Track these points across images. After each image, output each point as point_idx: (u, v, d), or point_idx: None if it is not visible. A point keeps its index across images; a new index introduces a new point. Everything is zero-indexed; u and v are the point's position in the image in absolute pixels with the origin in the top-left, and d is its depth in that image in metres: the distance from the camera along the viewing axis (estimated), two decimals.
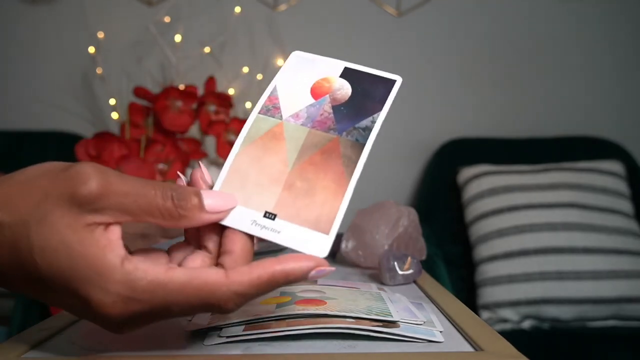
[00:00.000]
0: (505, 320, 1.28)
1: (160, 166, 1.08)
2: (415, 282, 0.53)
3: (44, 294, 0.30)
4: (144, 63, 1.61)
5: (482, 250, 1.35)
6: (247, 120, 0.35)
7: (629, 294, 1.25)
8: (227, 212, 0.32)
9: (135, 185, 0.30)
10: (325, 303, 0.38)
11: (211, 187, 0.33)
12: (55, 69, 1.64)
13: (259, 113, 0.36)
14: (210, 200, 0.31)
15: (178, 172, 0.37)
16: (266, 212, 0.32)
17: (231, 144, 1.16)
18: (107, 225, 0.29)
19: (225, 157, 1.16)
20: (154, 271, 0.28)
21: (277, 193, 0.32)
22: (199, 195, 0.31)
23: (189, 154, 1.13)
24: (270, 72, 1.63)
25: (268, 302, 0.39)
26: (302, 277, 0.30)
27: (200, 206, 0.30)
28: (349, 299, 0.40)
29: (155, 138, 1.12)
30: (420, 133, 1.70)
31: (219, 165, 1.18)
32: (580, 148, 1.55)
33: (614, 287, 1.25)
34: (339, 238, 0.69)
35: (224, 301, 0.29)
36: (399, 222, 0.61)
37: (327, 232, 0.31)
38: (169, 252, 0.33)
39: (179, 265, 0.31)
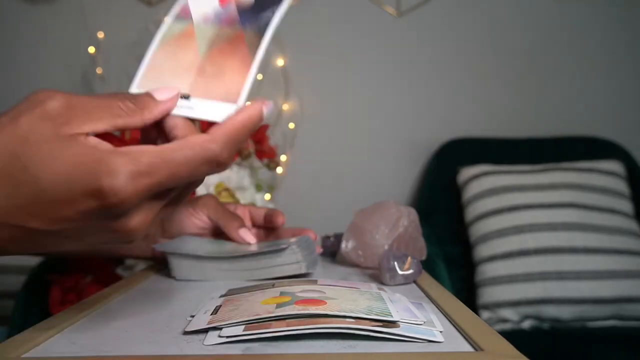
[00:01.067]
0: (505, 320, 1.28)
1: None
2: (415, 282, 0.53)
3: (51, 214, 0.29)
4: None
5: (482, 250, 1.35)
6: (162, 26, 0.40)
7: (629, 294, 1.25)
8: (175, 98, 0.35)
9: (94, 96, 0.32)
10: (325, 303, 0.38)
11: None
12: (55, 69, 1.64)
13: (173, 19, 0.40)
14: (160, 93, 0.35)
15: None
16: (181, 94, 0.36)
17: None
18: (86, 135, 0.30)
19: None
20: (149, 147, 0.31)
21: (191, 77, 0.37)
22: (149, 93, 0.35)
23: None
24: (271, 72, 1.63)
25: (268, 302, 0.39)
26: (259, 116, 0.34)
27: (153, 97, 0.34)
28: (349, 299, 0.40)
29: None
30: (420, 133, 1.70)
31: None
32: (580, 148, 1.56)
33: (614, 287, 1.25)
34: (338, 238, 0.68)
35: (219, 150, 0.32)
36: (399, 222, 0.61)
37: (235, 102, 0.35)
38: None
39: None
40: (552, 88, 1.71)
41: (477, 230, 1.39)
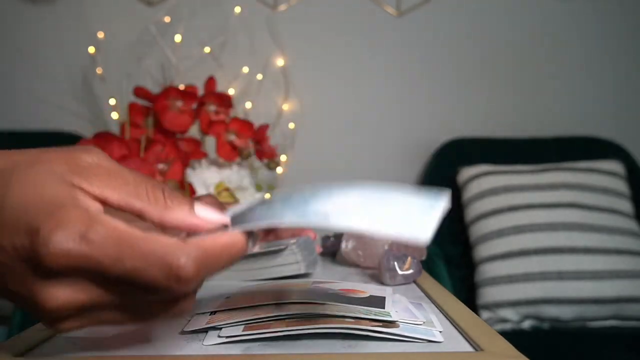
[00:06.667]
0: (505, 320, 1.28)
1: (160, 166, 1.08)
2: (415, 282, 0.53)
3: None
4: (144, 63, 1.61)
5: (482, 250, 1.35)
6: None
7: (629, 294, 1.25)
8: (215, 224, 0.30)
9: (131, 171, 0.29)
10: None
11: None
12: (55, 69, 1.64)
13: None
14: (203, 211, 0.30)
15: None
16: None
17: (232, 144, 1.16)
18: (91, 196, 0.28)
19: (225, 157, 1.15)
20: (115, 221, 0.27)
21: None
22: (190, 203, 0.30)
23: (189, 154, 1.13)
24: (271, 72, 1.63)
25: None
26: (243, 247, 0.29)
27: (190, 206, 0.29)
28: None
29: (155, 138, 1.12)
30: (420, 133, 1.70)
31: (220, 166, 1.18)
32: (580, 148, 1.56)
33: (614, 287, 1.25)
34: (338, 238, 0.69)
35: (184, 262, 0.26)
36: None
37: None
38: None
39: None
40: (553, 88, 1.71)
41: (477, 230, 1.39)
